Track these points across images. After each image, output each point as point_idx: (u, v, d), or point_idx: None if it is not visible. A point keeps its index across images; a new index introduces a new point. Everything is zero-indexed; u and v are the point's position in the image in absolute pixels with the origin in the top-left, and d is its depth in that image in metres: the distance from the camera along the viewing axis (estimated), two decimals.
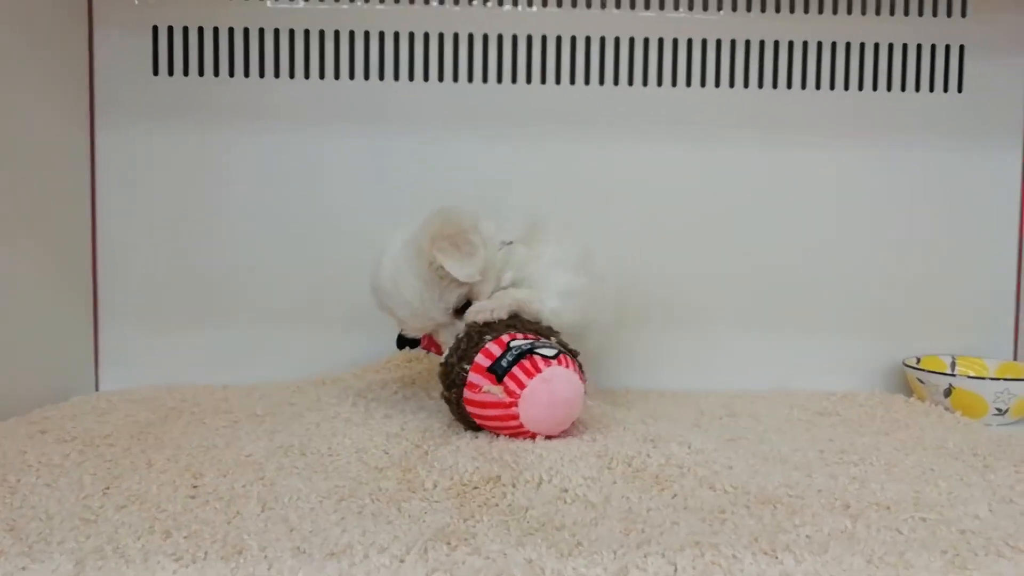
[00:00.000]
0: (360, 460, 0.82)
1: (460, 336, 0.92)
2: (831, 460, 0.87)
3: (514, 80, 1.31)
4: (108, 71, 1.26)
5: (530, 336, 0.90)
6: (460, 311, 0.98)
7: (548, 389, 0.83)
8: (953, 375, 1.24)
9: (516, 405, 0.83)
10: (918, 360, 1.30)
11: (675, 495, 0.72)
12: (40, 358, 1.14)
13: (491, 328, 0.91)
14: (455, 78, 1.30)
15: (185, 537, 0.61)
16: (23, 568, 0.56)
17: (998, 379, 1.16)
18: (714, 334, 1.36)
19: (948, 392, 1.18)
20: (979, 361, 1.33)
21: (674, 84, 1.32)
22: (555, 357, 0.85)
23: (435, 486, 0.72)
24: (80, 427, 0.95)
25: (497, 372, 0.83)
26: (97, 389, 1.28)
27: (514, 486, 0.72)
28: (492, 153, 1.32)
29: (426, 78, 1.30)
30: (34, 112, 1.12)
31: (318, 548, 0.59)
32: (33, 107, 1.12)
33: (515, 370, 0.83)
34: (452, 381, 0.88)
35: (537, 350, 0.85)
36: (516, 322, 0.93)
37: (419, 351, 1.30)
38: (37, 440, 0.89)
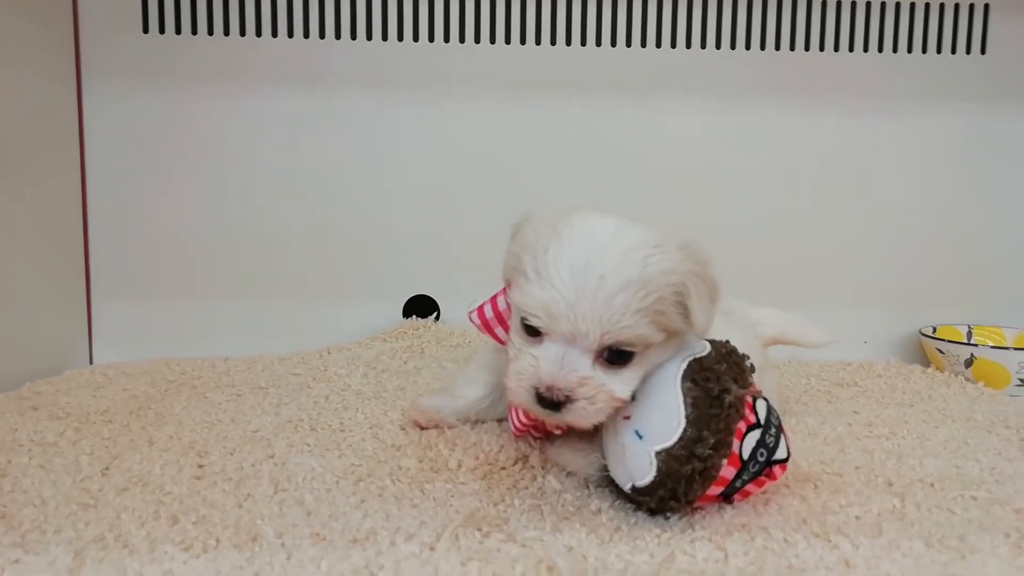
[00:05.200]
0: (375, 437, 0.78)
1: (672, 459, 0.57)
2: (861, 434, 0.85)
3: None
4: (94, 29, 1.19)
5: (750, 410, 0.61)
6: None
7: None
8: (975, 345, 1.21)
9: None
10: (934, 330, 1.27)
11: None
12: (30, 330, 1.08)
13: (717, 414, 0.58)
14: (461, 39, 1.24)
15: (194, 523, 0.57)
16: (16, 561, 0.51)
17: (1021, 349, 1.13)
18: (724, 304, 1.33)
19: (969, 362, 1.15)
20: (996, 330, 1.30)
21: (688, 46, 1.26)
22: (788, 456, 0.62)
23: (459, 466, 0.68)
24: (75, 403, 0.90)
25: (728, 495, 0.60)
26: (91, 362, 1.23)
27: (543, 468, 0.68)
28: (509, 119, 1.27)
29: (431, 39, 1.24)
30: (15, 73, 1.05)
31: (339, 534, 0.55)
32: (14, 68, 1.05)
33: (748, 485, 0.61)
34: (660, 511, 0.60)
35: (776, 456, 0.61)
36: (724, 368, 0.62)
37: (429, 321, 1.27)
38: (29, 417, 0.84)
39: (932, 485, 0.68)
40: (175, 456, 0.72)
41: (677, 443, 0.57)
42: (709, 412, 0.58)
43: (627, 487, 0.59)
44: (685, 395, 0.59)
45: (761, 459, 0.59)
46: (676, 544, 0.54)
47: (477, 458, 0.70)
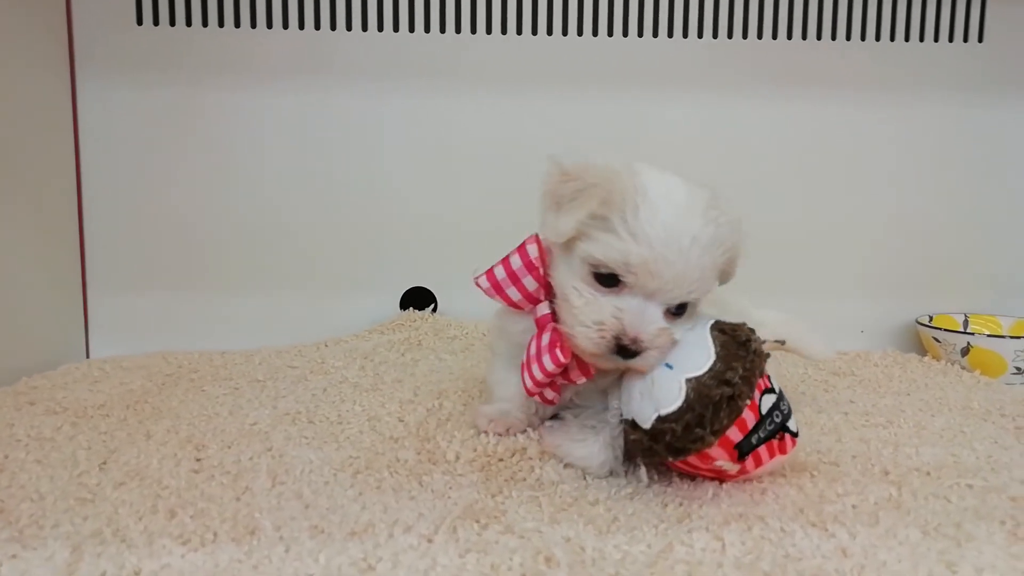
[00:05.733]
0: (373, 429, 0.78)
1: (701, 386, 0.60)
2: (858, 423, 0.85)
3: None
4: (88, 21, 1.18)
5: (767, 381, 0.64)
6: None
7: (775, 467, 0.65)
8: (971, 333, 1.21)
9: (736, 478, 0.65)
10: (931, 319, 1.27)
11: None
12: (26, 324, 1.08)
13: (743, 355, 0.62)
14: (457, 30, 1.23)
15: (191, 516, 0.57)
16: (13, 556, 0.51)
17: (1018, 337, 1.14)
18: (720, 296, 1.33)
19: (966, 351, 1.15)
20: (993, 319, 1.30)
21: (685, 36, 1.26)
22: (797, 433, 0.65)
23: (457, 458, 0.68)
24: (71, 397, 0.90)
25: (743, 449, 0.61)
26: (88, 356, 1.22)
27: (541, 459, 0.68)
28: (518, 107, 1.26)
29: (427, 30, 1.23)
30: (8, 66, 1.04)
31: (337, 527, 0.55)
32: (7, 61, 1.04)
33: (761, 448, 0.62)
34: (680, 448, 0.60)
35: (789, 423, 0.64)
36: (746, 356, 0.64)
37: (426, 313, 1.27)
38: (25, 412, 0.84)
39: (928, 474, 0.68)
40: (173, 450, 0.72)
41: (707, 372, 0.61)
42: (737, 352, 0.62)
43: (651, 419, 0.61)
44: (715, 339, 0.64)
45: (777, 420, 0.62)
46: (673, 534, 0.54)
47: (475, 450, 0.70)
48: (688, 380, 0.60)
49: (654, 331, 0.63)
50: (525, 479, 0.64)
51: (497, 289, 0.72)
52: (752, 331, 0.65)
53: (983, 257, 1.35)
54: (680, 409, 0.59)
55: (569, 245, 0.66)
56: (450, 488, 0.62)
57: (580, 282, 0.65)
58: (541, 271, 0.70)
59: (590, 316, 0.64)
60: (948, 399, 0.96)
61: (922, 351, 1.25)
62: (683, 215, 0.63)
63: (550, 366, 0.67)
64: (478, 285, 0.73)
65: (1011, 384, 1.10)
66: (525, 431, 0.76)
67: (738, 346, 0.63)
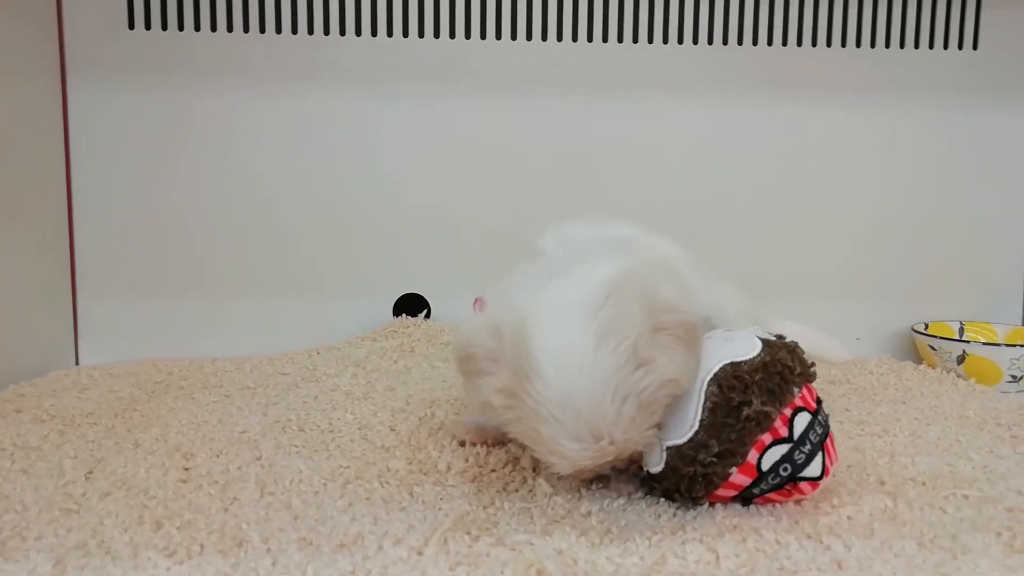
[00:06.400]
0: (364, 438, 0.77)
1: (679, 456, 0.58)
2: (853, 432, 0.84)
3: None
4: (79, 25, 1.17)
5: (794, 408, 0.59)
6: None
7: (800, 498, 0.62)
8: (967, 341, 1.20)
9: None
10: (926, 326, 1.27)
11: None
12: (14, 331, 1.06)
13: (731, 424, 0.58)
14: (451, 35, 1.23)
15: (178, 528, 0.56)
16: None
17: (1014, 345, 1.13)
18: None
19: (961, 359, 1.15)
20: (988, 327, 1.30)
21: (680, 42, 1.26)
22: (821, 475, 0.60)
23: (449, 468, 0.68)
24: (59, 405, 0.89)
25: (745, 499, 0.60)
26: (77, 363, 1.21)
27: (534, 470, 0.67)
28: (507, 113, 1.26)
29: (420, 35, 1.22)
30: None
31: (326, 539, 0.54)
32: None
33: (770, 494, 0.60)
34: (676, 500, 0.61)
35: (803, 473, 0.59)
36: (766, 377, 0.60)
37: (419, 319, 1.26)
38: (12, 420, 0.83)
39: (924, 484, 0.68)
40: (160, 459, 0.71)
41: (687, 443, 0.58)
42: (724, 421, 0.57)
43: (644, 471, 0.62)
44: (707, 399, 0.58)
45: (784, 473, 0.58)
46: (667, 546, 0.53)
47: (467, 460, 0.69)
48: (668, 448, 0.58)
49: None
50: (518, 490, 0.64)
51: None
52: (761, 383, 0.58)
53: (979, 264, 1.35)
54: (662, 473, 0.60)
55: None
56: (441, 499, 0.62)
57: None
58: None
59: None
60: (944, 408, 0.95)
61: (918, 359, 1.25)
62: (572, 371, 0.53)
63: None
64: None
65: (1006, 392, 1.09)
66: (504, 444, 0.74)
67: (728, 412, 0.57)
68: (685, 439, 0.58)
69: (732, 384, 0.58)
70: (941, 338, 1.20)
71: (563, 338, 0.54)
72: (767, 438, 0.58)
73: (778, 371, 0.59)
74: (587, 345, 0.53)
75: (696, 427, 0.57)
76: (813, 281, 1.32)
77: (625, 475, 0.64)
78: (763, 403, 0.58)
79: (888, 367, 1.19)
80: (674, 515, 0.59)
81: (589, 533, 0.55)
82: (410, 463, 0.69)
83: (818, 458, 0.59)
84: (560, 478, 0.63)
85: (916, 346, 1.26)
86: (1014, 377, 1.11)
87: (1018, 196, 1.34)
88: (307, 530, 0.56)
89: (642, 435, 0.56)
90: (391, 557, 0.51)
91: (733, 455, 0.57)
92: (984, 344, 1.17)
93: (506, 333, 0.56)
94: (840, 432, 0.84)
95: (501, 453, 0.71)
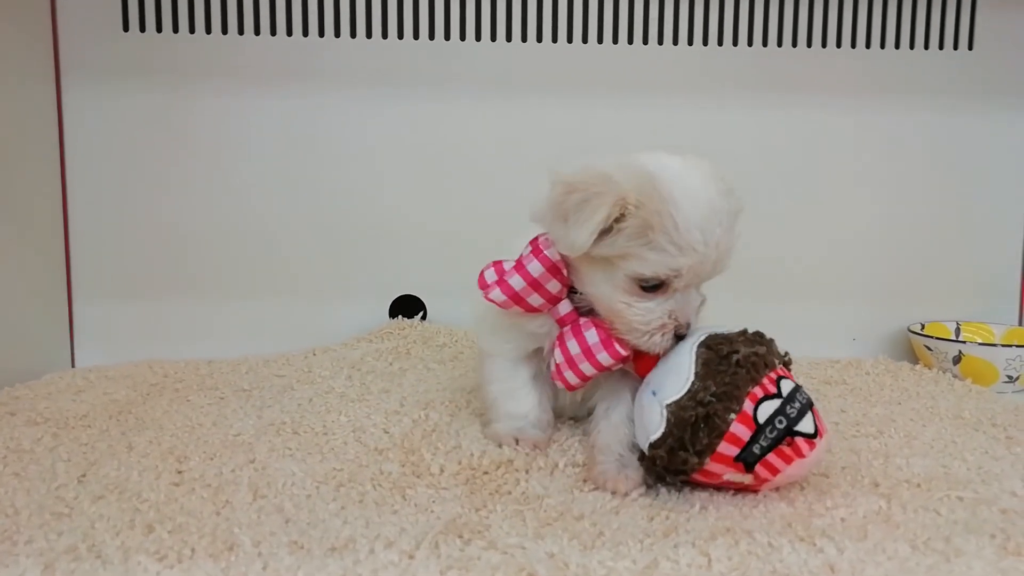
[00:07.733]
0: (358, 440, 0.77)
1: (679, 409, 0.63)
2: (848, 433, 0.84)
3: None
4: (74, 28, 1.17)
5: (779, 375, 0.65)
6: None
7: (803, 469, 0.64)
8: (963, 342, 1.20)
9: (761, 487, 0.65)
10: (923, 327, 1.27)
11: None
12: (10, 333, 1.06)
13: (724, 369, 0.63)
14: (447, 36, 1.23)
15: (169, 532, 0.56)
16: None
17: (1010, 346, 1.13)
18: (710, 301, 1.32)
19: (957, 359, 1.14)
20: (985, 327, 1.30)
21: (675, 43, 1.26)
22: (816, 434, 0.63)
23: (442, 471, 0.67)
24: (54, 407, 0.89)
25: (747, 461, 0.61)
26: (73, 366, 1.21)
27: (527, 472, 0.67)
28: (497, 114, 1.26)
29: (415, 36, 1.22)
30: None
31: (317, 543, 0.54)
32: None
33: (770, 456, 0.61)
34: (675, 471, 0.63)
35: (798, 427, 0.62)
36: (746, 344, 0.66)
37: (415, 320, 1.26)
38: (6, 423, 0.83)
39: (919, 486, 0.67)
40: (154, 462, 0.71)
41: (685, 395, 0.63)
42: (717, 368, 0.63)
43: (645, 445, 0.65)
44: (697, 357, 0.65)
45: (780, 426, 0.61)
46: (659, 550, 0.53)
47: (460, 463, 0.69)
48: (667, 405, 0.63)
49: (696, 308, 0.70)
50: (510, 492, 0.64)
51: (516, 299, 0.72)
52: (745, 341, 0.66)
53: (975, 265, 1.34)
54: (663, 435, 0.62)
55: (608, 261, 0.68)
56: (433, 502, 0.61)
57: (624, 295, 0.69)
58: (565, 272, 0.72)
59: (649, 324, 0.68)
60: (939, 408, 0.95)
61: (914, 359, 1.25)
62: (709, 210, 0.67)
63: (608, 360, 0.70)
64: (491, 300, 0.72)
65: (1003, 393, 1.09)
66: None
67: (719, 361, 0.64)
68: (683, 392, 0.63)
69: (719, 341, 0.66)
70: (937, 338, 1.19)
71: (691, 183, 0.69)
72: (759, 392, 0.62)
73: (756, 336, 0.68)
74: (710, 188, 0.70)
75: (692, 378, 0.63)
76: (810, 282, 1.32)
77: (627, 470, 0.67)
78: (748, 348, 0.64)
79: (884, 367, 1.19)
80: (667, 518, 0.59)
81: (581, 536, 0.55)
82: (403, 465, 0.69)
83: (809, 416, 0.63)
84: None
85: (912, 346, 1.26)
86: (1010, 377, 1.11)
87: (1014, 196, 1.33)
88: (299, 534, 0.56)
89: (731, 247, 0.70)
90: (382, 561, 0.51)
91: (730, 398, 0.61)
92: (980, 344, 1.16)
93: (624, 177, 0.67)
94: (836, 433, 0.84)
95: (495, 455, 0.71)
